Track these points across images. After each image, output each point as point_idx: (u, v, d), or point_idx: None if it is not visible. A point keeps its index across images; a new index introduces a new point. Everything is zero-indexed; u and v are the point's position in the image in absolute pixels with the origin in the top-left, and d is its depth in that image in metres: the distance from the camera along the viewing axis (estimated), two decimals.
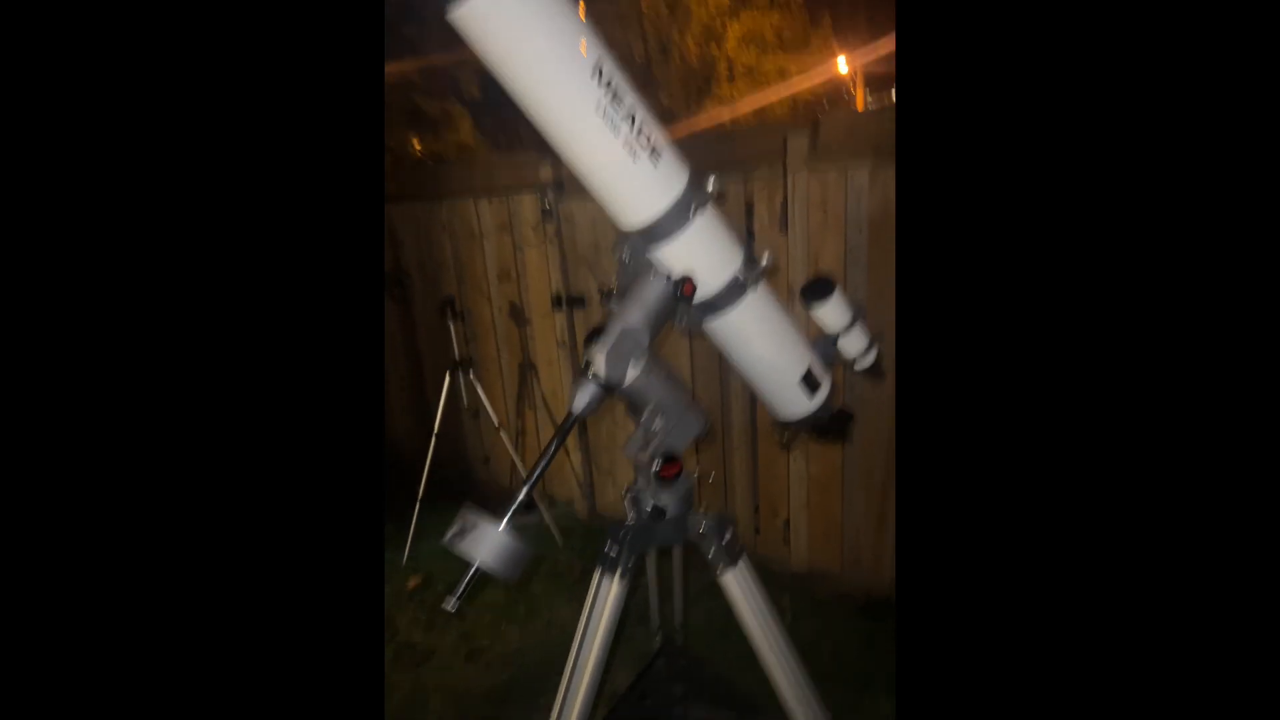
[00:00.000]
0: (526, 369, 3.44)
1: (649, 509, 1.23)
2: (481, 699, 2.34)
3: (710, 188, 1.15)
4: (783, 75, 11.22)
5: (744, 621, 1.25)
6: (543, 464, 1.11)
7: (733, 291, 1.22)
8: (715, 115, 10.87)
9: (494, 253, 3.44)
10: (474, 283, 3.59)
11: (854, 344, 1.38)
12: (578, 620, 2.61)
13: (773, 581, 2.80)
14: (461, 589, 1.03)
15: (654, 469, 1.20)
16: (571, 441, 3.39)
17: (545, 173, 3.08)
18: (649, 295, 1.16)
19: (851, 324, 1.36)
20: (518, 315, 3.40)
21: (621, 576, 1.23)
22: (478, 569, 1.01)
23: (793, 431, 1.45)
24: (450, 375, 3.15)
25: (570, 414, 1.11)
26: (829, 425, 1.43)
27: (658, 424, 1.19)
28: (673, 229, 1.14)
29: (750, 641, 1.25)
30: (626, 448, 1.26)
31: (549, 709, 2.21)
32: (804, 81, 11.26)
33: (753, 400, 2.76)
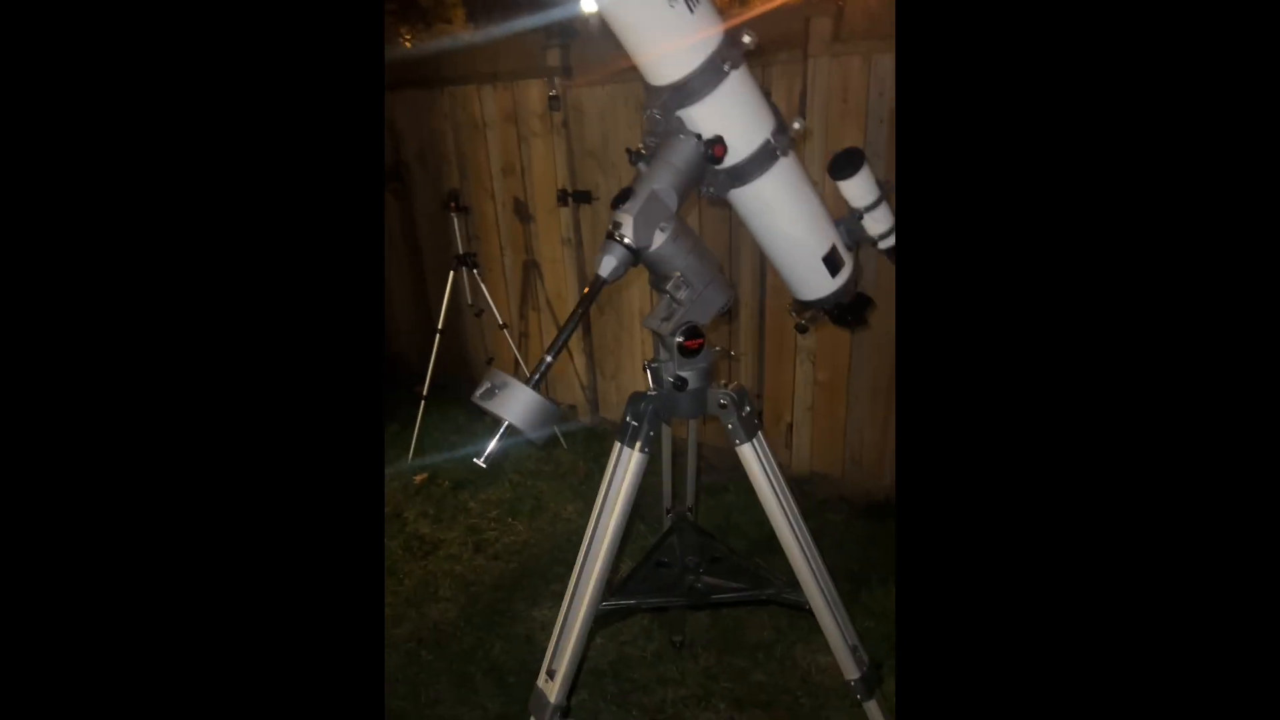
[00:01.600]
0: (530, 268, 3.38)
1: (671, 380, 1.21)
2: (491, 587, 2.39)
3: (746, 42, 1.08)
4: None
5: (761, 492, 1.25)
6: (569, 328, 1.08)
7: (763, 158, 1.16)
8: None
9: (498, 144, 3.32)
10: (477, 177, 3.48)
11: (878, 223, 1.33)
12: (584, 517, 2.66)
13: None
14: (492, 445, 1.02)
15: (677, 340, 1.17)
16: (575, 345, 3.36)
17: (552, 56, 2.94)
18: (678, 157, 1.11)
19: (877, 201, 1.31)
20: (522, 211, 3.32)
21: (642, 448, 1.21)
22: (508, 425, 0.99)
23: (811, 313, 1.42)
24: (454, 272, 3.09)
25: (596, 278, 1.07)
26: (848, 309, 1.40)
27: (683, 294, 1.16)
28: (705, 87, 1.08)
29: (766, 511, 1.26)
30: (648, 318, 1.22)
31: (557, 596, 2.28)
32: None
33: (761, 308, 2.73)
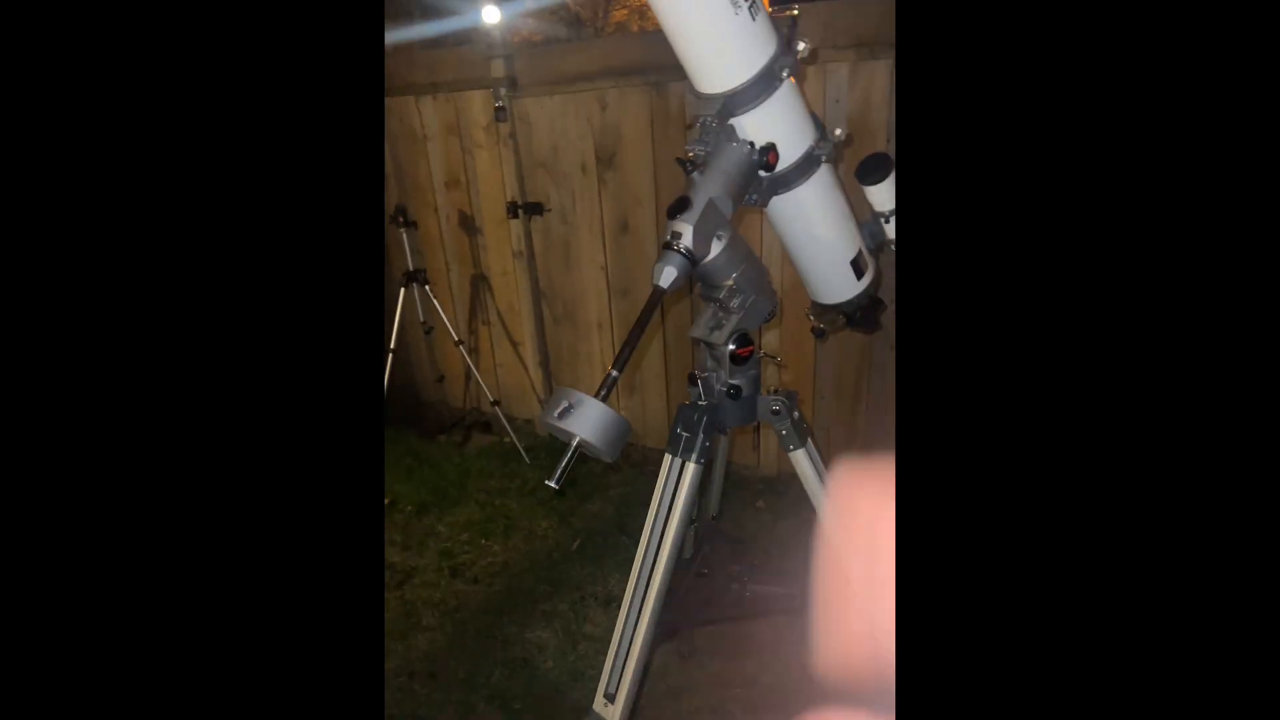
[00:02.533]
0: (479, 281, 3.30)
1: (725, 389, 1.21)
2: (476, 612, 2.30)
3: (801, 50, 1.09)
4: None
5: (815, 499, 1.26)
6: (633, 341, 1.06)
7: (807, 165, 1.19)
8: (620, 17, 10.46)
9: (440, 157, 3.23)
10: (418, 191, 3.37)
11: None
12: (559, 532, 2.60)
13: (744, 485, 2.89)
14: (563, 466, 0.99)
15: (729, 349, 1.17)
16: (530, 356, 3.30)
17: (496, 67, 2.89)
18: (731, 164, 1.11)
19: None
20: (468, 224, 3.24)
21: (698, 459, 1.21)
22: (579, 442, 0.96)
23: (831, 317, 1.45)
24: (404, 289, 2.97)
25: (656, 289, 1.06)
26: (865, 311, 1.44)
27: (735, 302, 1.16)
28: (760, 94, 1.09)
29: (816, 510, 1.27)
30: (694, 328, 1.22)
31: (548, 616, 2.23)
32: None
33: None
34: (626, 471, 3.01)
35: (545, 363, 3.33)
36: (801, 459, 1.25)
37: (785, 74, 1.08)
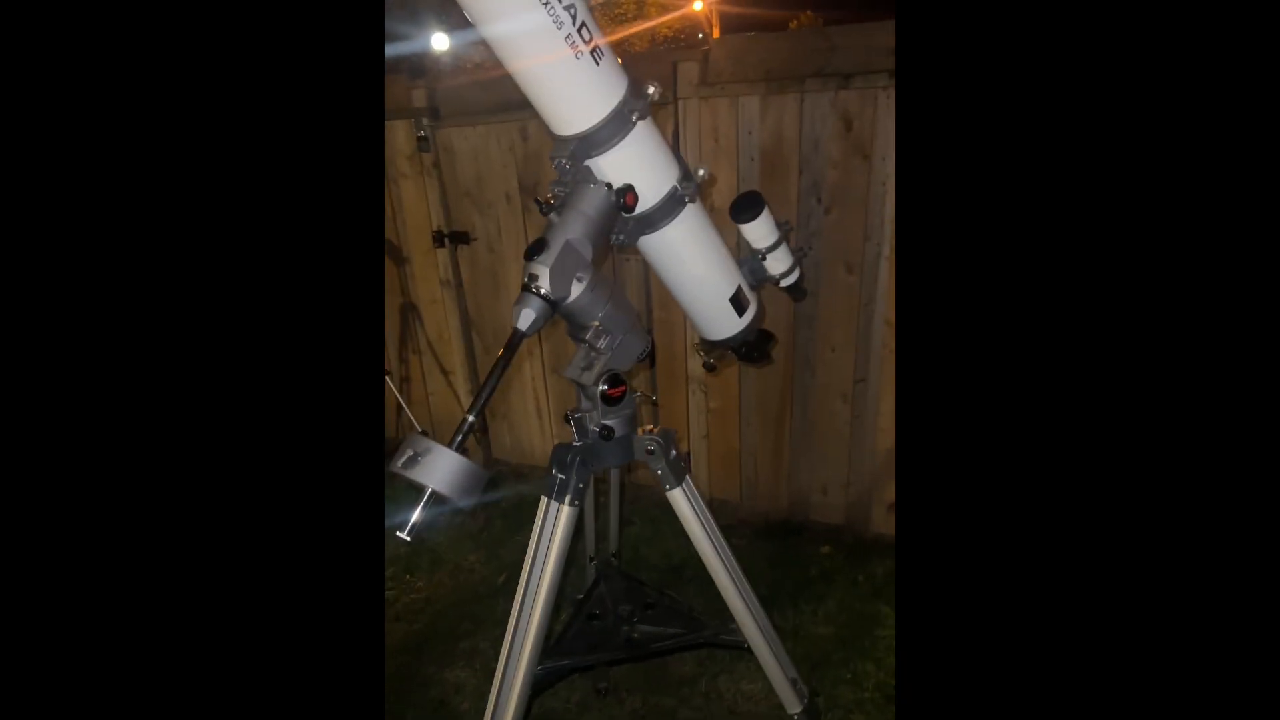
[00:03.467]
0: (408, 310, 3.26)
1: (597, 430, 1.20)
2: (395, 651, 2.25)
3: (651, 93, 1.10)
4: (640, 9, 11.11)
5: (693, 534, 1.26)
6: (490, 385, 1.05)
7: (670, 205, 1.19)
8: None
9: None
10: None
11: (779, 262, 1.39)
12: (487, 566, 2.56)
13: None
14: (415, 515, 0.97)
15: (600, 389, 1.17)
16: (461, 385, 3.27)
17: (419, 97, 2.87)
18: (590, 206, 1.11)
19: (778, 242, 1.37)
20: (395, 253, 3.20)
21: (571, 501, 1.20)
22: (431, 493, 0.95)
23: (719, 352, 1.46)
24: None
25: (515, 332, 1.06)
26: (754, 346, 1.45)
27: (603, 342, 1.16)
28: (613, 137, 1.09)
29: (700, 553, 1.27)
30: (567, 369, 1.21)
31: (469, 654, 2.18)
32: (662, 16, 11.21)
33: (650, 336, 2.77)
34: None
35: (476, 389, 3.29)
36: (679, 498, 1.25)
37: (635, 117, 1.09)
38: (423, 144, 2.92)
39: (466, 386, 3.26)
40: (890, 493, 2.51)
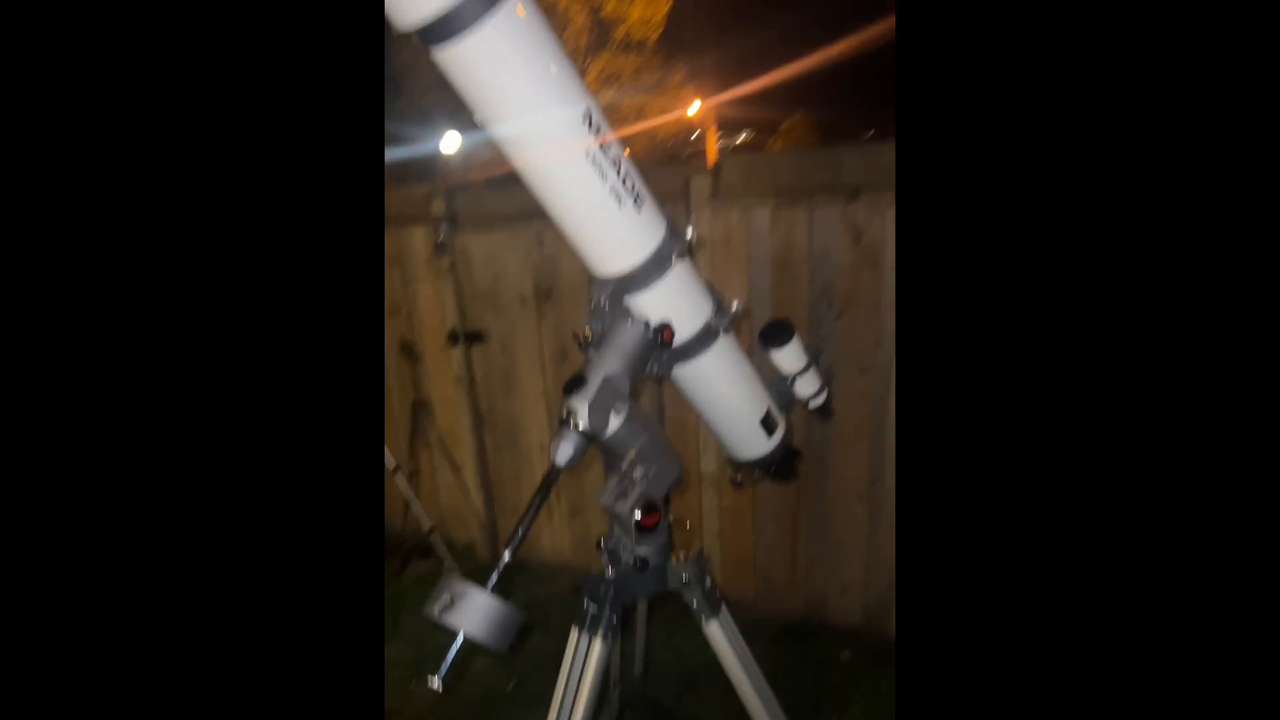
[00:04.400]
0: (419, 407, 3.28)
1: (632, 561, 1.20)
2: None
3: (689, 236, 1.15)
4: (640, 114, 11.57)
5: (729, 668, 1.25)
6: (526, 522, 1.06)
7: (705, 338, 1.23)
8: None
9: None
10: None
11: (808, 385, 1.42)
12: (499, 671, 2.49)
13: (689, 611, 2.83)
14: (448, 662, 0.96)
15: (635, 519, 1.18)
16: (471, 480, 3.26)
17: (438, 206, 2.98)
18: (628, 342, 1.15)
19: (807, 367, 1.40)
20: (410, 351, 3.25)
21: (604, 635, 1.18)
22: (464, 639, 0.94)
23: (747, 471, 1.47)
24: None
25: (553, 467, 1.07)
26: (780, 463, 1.46)
27: (638, 472, 1.17)
28: (652, 277, 1.14)
29: (736, 688, 1.25)
30: (602, 496, 1.22)
31: None
32: (661, 120, 11.68)
33: None
34: (568, 600, 2.93)
35: (486, 485, 3.29)
36: (715, 631, 1.23)
37: (674, 258, 1.13)
38: (440, 249, 3.01)
39: (476, 481, 3.25)
40: None
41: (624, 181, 1.05)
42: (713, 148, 12.50)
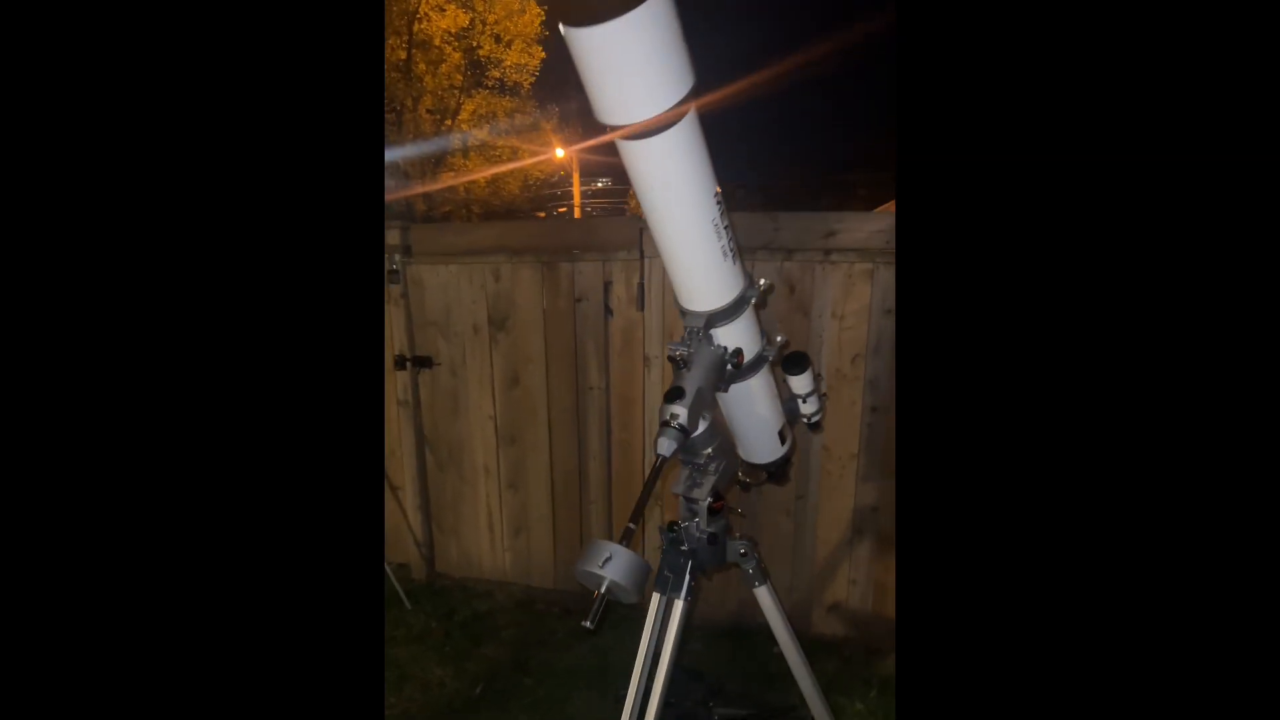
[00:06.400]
0: None
1: (704, 537, 1.51)
2: None
3: (763, 284, 1.51)
4: (514, 154, 11.94)
5: (775, 626, 1.57)
6: (645, 498, 1.33)
7: (757, 363, 1.58)
8: (448, 180, 11.18)
9: None
10: None
11: (810, 405, 1.81)
12: (458, 680, 2.63)
13: (638, 621, 3.09)
14: (597, 608, 1.21)
15: (707, 503, 1.49)
16: (409, 502, 3.36)
17: (392, 235, 3.12)
18: (712, 363, 1.47)
19: (814, 391, 1.79)
20: None
21: (686, 596, 1.48)
22: (609, 586, 1.20)
23: (756, 473, 1.83)
24: None
25: (660, 457, 1.36)
26: (782, 467, 1.84)
27: (713, 466, 1.49)
28: (734, 314, 1.48)
29: (780, 643, 1.58)
30: (677, 486, 1.52)
31: None
32: (533, 161, 12.13)
33: (608, 457, 3.07)
34: (514, 613, 3.11)
35: (425, 506, 3.39)
36: (765, 595, 1.56)
37: (753, 301, 1.49)
38: (393, 277, 3.15)
39: (415, 501, 3.35)
40: (829, 595, 2.91)
41: (731, 241, 1.40)
42: (577, 190, 13.12)
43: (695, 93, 1.19)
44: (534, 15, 11.78)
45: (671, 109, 1.15)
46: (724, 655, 2.83)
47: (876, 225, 2.63)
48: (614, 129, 1.19)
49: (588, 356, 3.01)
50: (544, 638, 2.94)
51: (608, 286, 2.97)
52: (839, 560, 2.89)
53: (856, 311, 2.69)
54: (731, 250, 1.41)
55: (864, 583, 2.87)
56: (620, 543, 1.25)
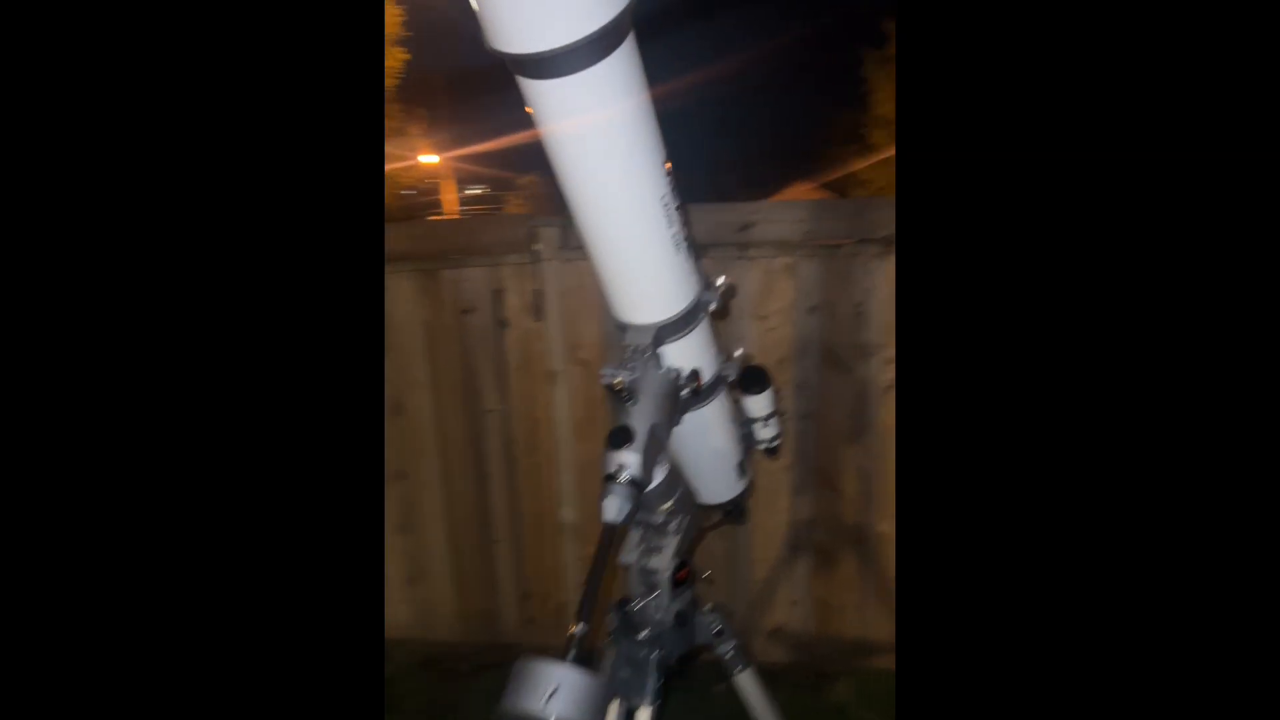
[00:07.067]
0: None
1: (671, 618, 1.16)
2: None
3: (719, 284, 1.18)
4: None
5: (760, 716, 1.25)
6: (593, 590, 0.98)
7: (715, 386, 1.26)
8: None
9: None
10: None
11: (768, 429, 1.50)
12: None
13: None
14: None
15: (672, 574, 1.15)
16: None
17: None
18: (662, 391, 1.13)
19: (772, 413, 1.48)
20: None
21: (653, 701, 1.13)
22: None
23: (710, 514, 1.51)
24: None
25: (609, 526, 1.01)
26: (738, 504, 1.52)
27: (673, 525, 1.15)
28: (687, 325, 1.15)
29: None
30: (627, 555, 1.17)
31: None
32: (400, 165, 11.40)
33: (515, 489, 2.69)
34: (417, 675, 2.67)
35: None
36: (747, 681, 1.24)
37: (711, 307, 1.15)
38: None
39: None
40: (769, 620, 2.65)
41: (682, 227, 1.06)
42: (452, 198, 12.41)
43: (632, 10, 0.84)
44: (393, 15, 11.06)
45: (610, 23, 0.80)
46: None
47: (795, 215, 2.41)
48: (527, 59, 0.82)
49: (482, 376, 2.64)
50: (456, 700, 2.52)
51: (498, 295, 2.58)
52: (777, 581, 2.64)
53: (779, 311, 2.45)
54: (684, 240, 1.07)
55: (805, 602, 2.63)
56: (566, 658, 0.87)
